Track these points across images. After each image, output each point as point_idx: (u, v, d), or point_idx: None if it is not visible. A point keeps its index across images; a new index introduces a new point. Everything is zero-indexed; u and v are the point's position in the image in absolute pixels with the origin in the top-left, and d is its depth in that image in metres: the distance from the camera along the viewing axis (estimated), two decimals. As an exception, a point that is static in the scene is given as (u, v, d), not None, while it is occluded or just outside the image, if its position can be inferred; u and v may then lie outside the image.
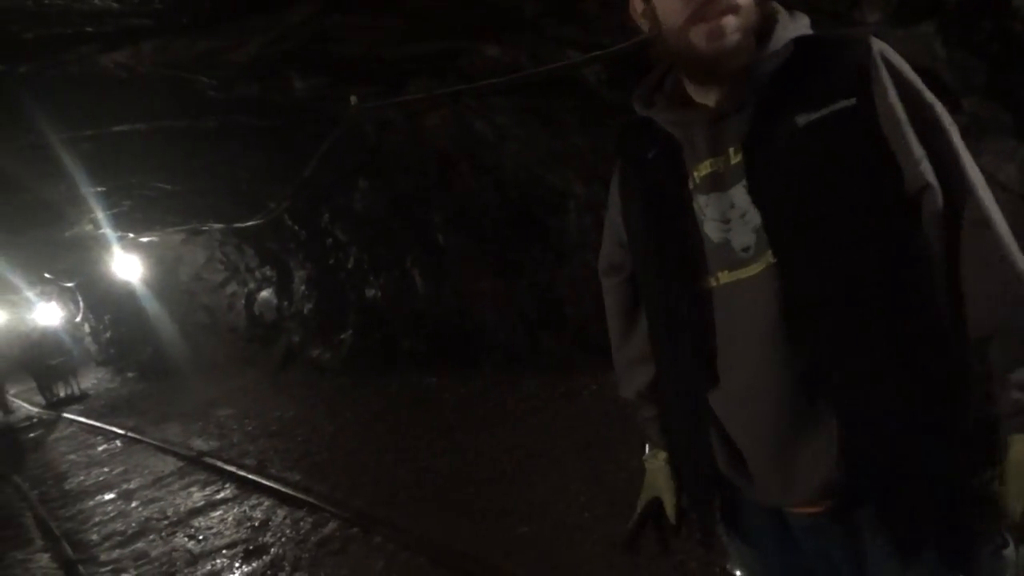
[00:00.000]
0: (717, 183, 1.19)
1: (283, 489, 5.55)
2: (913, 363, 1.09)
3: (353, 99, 4.81)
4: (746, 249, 1.17)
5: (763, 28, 1.16)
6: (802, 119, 1.12)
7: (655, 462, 1.45)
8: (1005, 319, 1.08)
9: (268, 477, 6.02)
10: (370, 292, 9.32)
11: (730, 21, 1.10)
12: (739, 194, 1.17)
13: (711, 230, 1.21)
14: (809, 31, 1.19)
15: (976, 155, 1.16)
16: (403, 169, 7.05)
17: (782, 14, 1.19)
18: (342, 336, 9.97)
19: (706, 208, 1.21)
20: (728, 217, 1.19)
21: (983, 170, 1.15)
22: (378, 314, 9.21)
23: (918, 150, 1.09)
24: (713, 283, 1.21)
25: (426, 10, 3.97)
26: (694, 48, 1.13)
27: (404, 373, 8.44)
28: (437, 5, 3.94)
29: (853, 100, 1.10)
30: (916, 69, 1.16)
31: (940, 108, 1.14)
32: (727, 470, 1.27)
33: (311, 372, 10.48)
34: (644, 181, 1.30)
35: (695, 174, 1.22)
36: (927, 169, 1.09)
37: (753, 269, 1.17)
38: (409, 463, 5.54)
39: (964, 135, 1.14)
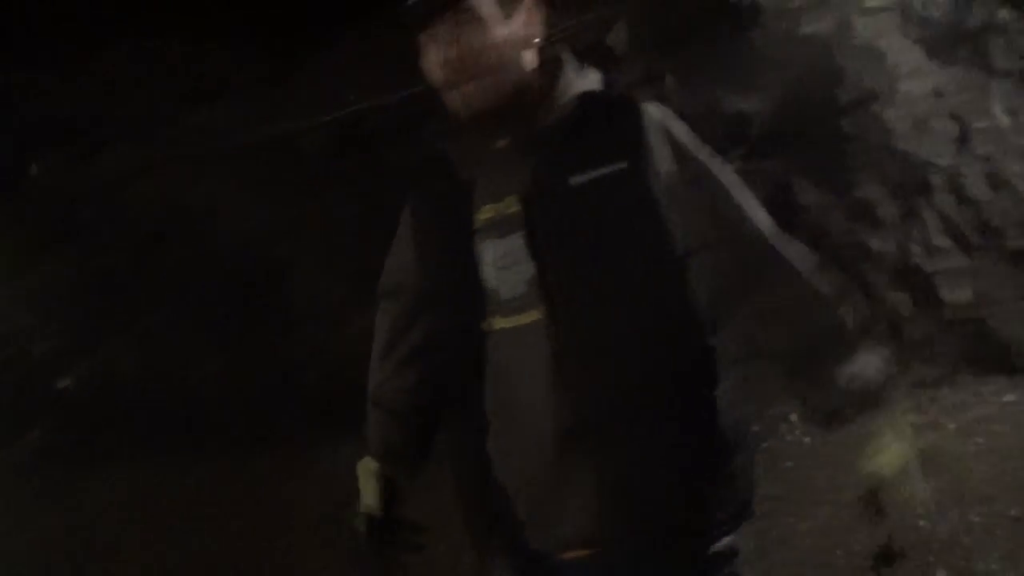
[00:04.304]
0: (495, 229, 1.20)
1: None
2: (677, 421, 1.15)
3: (34, 167, 4.33)
4: (515, 299, 1.17)
5: (547, 78, 1.19)
6: (575, 179, 1.14)
7: (370, 466, 1.41)
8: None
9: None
10: (63, 383, 8.18)
11: (480, 86, 1.13)
12: (515, 244, 1.18)
13: (487, 275, 1.20)
14: (597, 87, 1.23)
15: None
16: (102, 243, 6.41)
17: (569, 65, 1.22)
18: (26, 436, 8.57)
19: (484, 253, 1.20)
20: (501, 265, 1.19)
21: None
22: (75, 408, 8.09)
23: (688, 212, 1.15)
24: (485, 328, 1.21)
25: (124, 74, 3.76)
26: (453, 110, 1.18)
27: (111, 473, 7.45)
28: (136, 69, 3.76)
29: (624, 164, 1.13)
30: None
31: (717, 165, 1.22)
32: (500, 510, 1.25)
33: (-16, 484, 8.79)
34: (432, 216, 1.30)
35: (478, 216, 1.22)
36: (700, 230, 1.15)
37: (523, 319, 1.17)
38: (119, 576, 4.89)
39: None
